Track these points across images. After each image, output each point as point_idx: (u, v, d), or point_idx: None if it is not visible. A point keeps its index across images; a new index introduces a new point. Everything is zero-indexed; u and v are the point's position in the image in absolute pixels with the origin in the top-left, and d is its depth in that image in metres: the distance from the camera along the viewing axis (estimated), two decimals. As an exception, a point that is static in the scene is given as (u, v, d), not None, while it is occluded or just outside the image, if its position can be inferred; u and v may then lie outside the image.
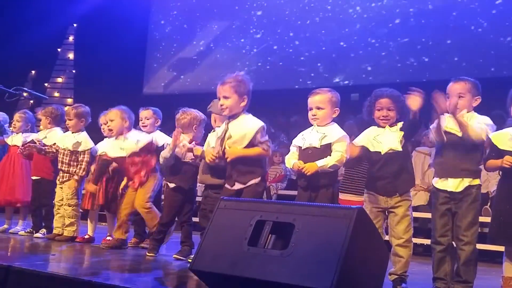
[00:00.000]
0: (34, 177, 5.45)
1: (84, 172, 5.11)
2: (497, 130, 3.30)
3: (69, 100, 10.81)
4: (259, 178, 3.69)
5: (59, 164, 5.17)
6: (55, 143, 5.33)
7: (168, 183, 4.41)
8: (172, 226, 4.53)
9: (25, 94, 4.56)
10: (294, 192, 6.01)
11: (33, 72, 11.14)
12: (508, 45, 7.81)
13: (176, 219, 4.48)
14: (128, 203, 4.68)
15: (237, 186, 3.68)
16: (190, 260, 3.52)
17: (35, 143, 5.37)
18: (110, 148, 4.85)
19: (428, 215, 5.79)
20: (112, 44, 10.24)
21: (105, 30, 10.50)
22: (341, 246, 2.31)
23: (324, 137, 3.48)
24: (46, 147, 5.30)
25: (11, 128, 5.98)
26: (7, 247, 4.59)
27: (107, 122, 4.90)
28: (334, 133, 3.50)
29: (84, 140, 5.18)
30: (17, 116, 5.80)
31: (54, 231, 5.16)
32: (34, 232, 5.36)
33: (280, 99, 8.89)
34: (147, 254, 4.31)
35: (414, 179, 3.53)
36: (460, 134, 3.20)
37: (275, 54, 9.87)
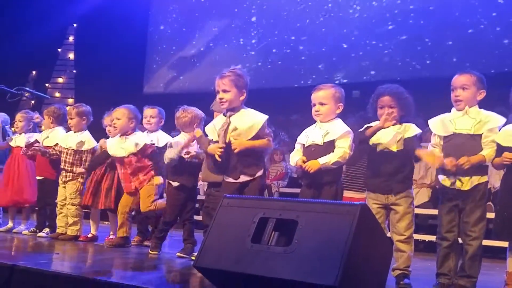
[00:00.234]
0: (38, 177, 5.48)
1: (86, 171, 5.12)
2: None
3: (70, 100, 10.82)
4: (263, 170, 3.70)
5: (62, 164, 5.18)
6: (57, 144, 5.34)
7: (171, 182, 4.42)
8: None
9: (27, 94, 4.56)
10: (296, 190, 6.04)
11: (33, 72, 11.14)
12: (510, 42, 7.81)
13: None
14: (126, 203, 4.72)
15: (243, 178, 3.65)
16: (193, 258, 3.53)
17: (38, 143, 5.39)
18: (111, 145, 4.86)
19: (428, 211, 5.82)
20: (112, 43, 10.24)
21: (105, 29, 10.50)
22: (345, 243, 2.32)
23: (327, 134, 3.47)
24: (49, 150, 5.31)
25: (12, 128, 6.00)
26: (11, 246, 4.61)
27: (112, 121, 4.92)
28: (337, 129, 3.48)
29: (87, 139, 5.20)
30: (19, 116, 5.81)
31: (58, 231, 5.18)
32: (37, 231, 5.38)
33: (280, 98, 8.89)
34: (150, 252, 4.32)
35: (411, 179, 3.47)
36: (471, 132, 3.19)
37: (275, 53, 9.86)
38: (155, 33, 11.29)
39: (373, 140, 3.42)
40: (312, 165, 3.38)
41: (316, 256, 2.35)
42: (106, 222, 5.53)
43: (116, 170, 4.86)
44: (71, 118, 5.26)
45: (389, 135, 3.39)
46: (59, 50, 11.45)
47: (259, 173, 3.66)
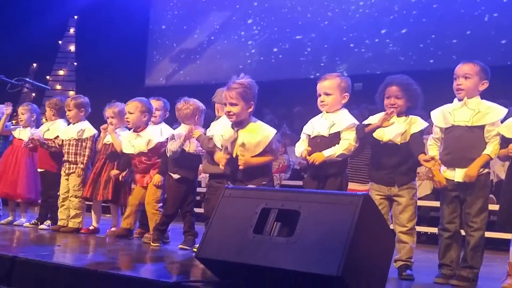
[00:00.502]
0: (39, 170, 5.47)
1: (88, 159, 5.11)
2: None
3: (71, 93, 10.75)
4: (269, 179, 3.65)
5: (65, 156, 5.17)
6: (57, 136, 5.33)
7: (172, 174, 4.41)
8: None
9: (27, 85, 4.54)
10: (298, 182, 6.03)
11: (34, 65, 11.12)
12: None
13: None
14: (137, 196, 4.73)
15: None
16: (195, 250, 3.52)
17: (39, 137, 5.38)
18: (122, 141, 4.80)
19: (430, 203, 5.81)
20: (113, 36, 10.20)
21: (106, 22, 10.46)
22: (347, 233, 2.31)
23: (332, 125, 3.44)
24: (49, 142, 5.30)
25: (14, 121, 5.98)
26: (12, 238, 4.61)
27: (113, 116, 4.91)
28: (343, 120, 3.45)
29: (87, 127, 5.20)
30: (21, 109, 5.80)
31: (59, 223, 5.17)
32: (38, 223, 5.38)
33: (283, 90, 8.87)
34: (152, 244, 4.32)
35: (415, 171, 3.46)
36: (469, 124, 3.17)
37: (277, 45, 9.83)
38: (157, 24, 11.24)
39: (377, 132, 3.40)
40: (317, 158, 3.36)
41: (318, 246, 2.34)
42: (108, 215, 5.53)
43: (115, 162, 4.88)
44: (69, 110, 5.24)
45: (394, 127, 3.36)
46: (60, 42, 11.42)
47: (264, 182, 3.60)
